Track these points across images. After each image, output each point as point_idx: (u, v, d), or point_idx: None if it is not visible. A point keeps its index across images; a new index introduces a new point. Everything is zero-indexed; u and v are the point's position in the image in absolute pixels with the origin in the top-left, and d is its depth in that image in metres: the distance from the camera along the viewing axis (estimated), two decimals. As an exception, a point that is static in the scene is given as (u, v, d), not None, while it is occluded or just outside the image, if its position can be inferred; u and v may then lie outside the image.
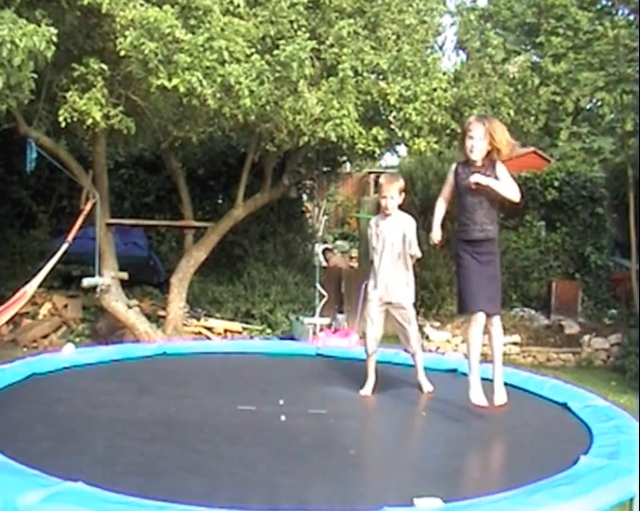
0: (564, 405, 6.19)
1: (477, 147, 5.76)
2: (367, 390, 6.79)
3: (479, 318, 5.79)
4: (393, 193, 6.71)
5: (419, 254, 6.74)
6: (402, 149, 14.92)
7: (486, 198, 5.75)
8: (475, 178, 5.66)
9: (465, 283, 5.88)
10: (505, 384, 6.62)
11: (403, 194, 6.80)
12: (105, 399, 6.24)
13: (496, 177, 5.72)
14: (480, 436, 5.67)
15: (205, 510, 3.67)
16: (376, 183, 24.54)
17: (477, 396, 5.75)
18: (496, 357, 5.91)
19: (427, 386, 6.79)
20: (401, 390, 7.08)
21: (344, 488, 4.42)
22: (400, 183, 6.80)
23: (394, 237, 6.72)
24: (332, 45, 10.64)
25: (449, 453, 5.25)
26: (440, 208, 6.21)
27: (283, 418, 5.77)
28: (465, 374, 7.22)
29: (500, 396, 5.76)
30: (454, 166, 6.02)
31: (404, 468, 4.84)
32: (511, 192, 5.74)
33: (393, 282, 6.73)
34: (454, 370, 7.59)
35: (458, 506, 3.81)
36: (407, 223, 6.75)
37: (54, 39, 8.31)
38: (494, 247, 5.87)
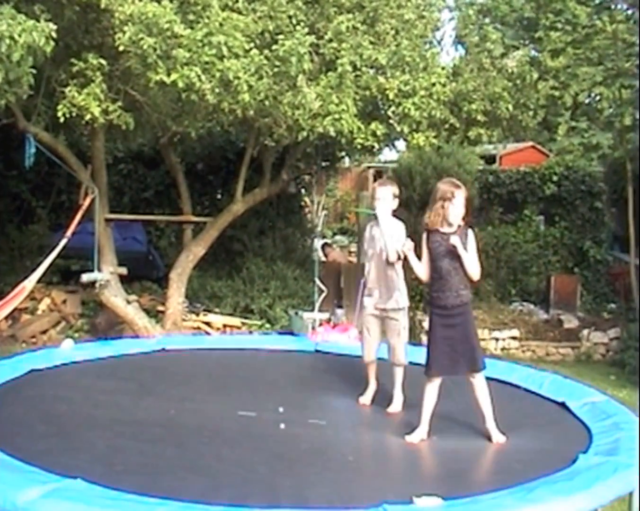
0: (563, 404, 6.20)
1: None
2: (366, 398, 6.78)
3: (434, 380, 5.84)
4: (385, 196, 6.78)
5: (398, 252, 6.48)
6: (400, 144, 14.92)
7: (461, 264, 5.73)
8: (454, 240, 5.66)
9: (430, 348, 5.90)
10: (504, 382, 6.67)
11: (397, 200, 6.85)
12: (105, 398, 6.25)
13: (465, 246, 5.72)
14: (479, 435, 5.68)
15: (204, 507, 3.68)
16: (375, 178, 24.59)
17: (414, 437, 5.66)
18: (483, 406, 5.77)
19: (395, 407, 6.56)
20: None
21: (343, 488, 4.43)
22: (393, 188, 6.85)
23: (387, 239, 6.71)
24: (330, 40, 10.64)
25: (449, 452, 5.26)
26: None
27: (282, 426, 5.78)
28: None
29: (495, 436, 5.66)
30: (424, 234, 5.97)
31: (403, 467, 4.85)
32: (474, 267, 5.76)
33: (386, 288, 6.70)
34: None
35: (457, 504, 3.82)
36: (397, 229, 6.78)
37: (53, 34, 8.30)
38: (467, 309, 5.84)
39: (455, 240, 5.65)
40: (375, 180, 24.34)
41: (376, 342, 6.80)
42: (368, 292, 6.82)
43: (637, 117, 14.40)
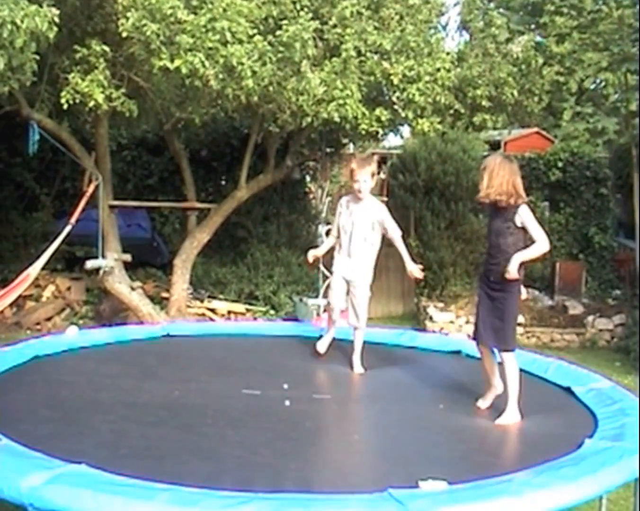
0: (568, 389, 6.19)
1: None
2: (323, 346, 7.34)
3: (481, 349, 6.06)
4: (366, 177, 6.90)
5: (398, 234, 7.08)
6: (405, 130, 14.88)
7: (508, 244, 5.80)
8: (512, 271, 5.67)
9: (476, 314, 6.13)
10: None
11: (375, 177, 7.04)
12: (109, 382, 6.25)
13: (515, 224, 5.78)
14: (485, 419, 5.67)
15: (208, 492, 3.67)
16: (379, 164, 24.55)
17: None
18: (508, 388, 5.84)
19: (358, 368, 7.00)
20: (404, 373, 7.09)
21: (348, 470, 4.42)
22: (373, 167, 6.99)
23: (364, 221, 7.01)
24: (335, 26, 10.60)
25: (454, 437, 5.26)
26: None
27: (287, 403, 5.77)
28: (469, 355, 7.28)
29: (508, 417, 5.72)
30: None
31: (408, 453, 4.84)
32: (539, 246, 5.79)
33: (356, 263, 7.09)
34: (458, 352, 7.60)
35: (463, 488, 3.81)
36: (379, 210, 7.07)
37: (56, 19, 8.28)
38: (508, 287, 5.82)
39: (512, 270, 5.68)
40: (379, 166, 24.33)
41: (343, 296, 7.25)
42: (340, 263, 7.20)
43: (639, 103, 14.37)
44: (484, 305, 5.96)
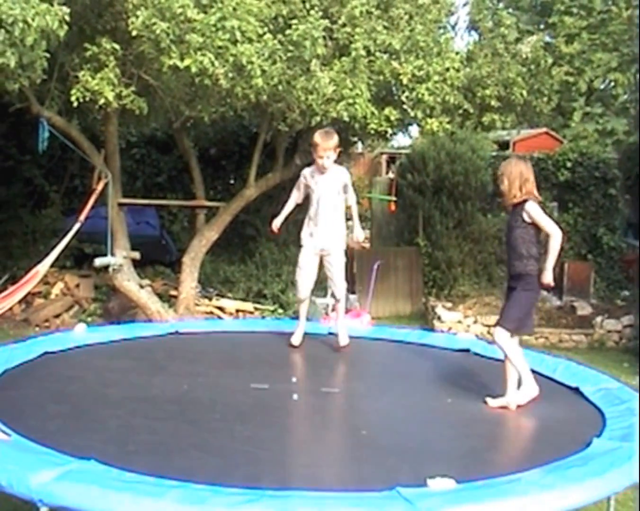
0: (577, 389, 6.19)
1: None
2: (296, 338, 7.20)
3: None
4: (329, 152, 7.05)
5: (354, 199, 7.40)
6: (414, 129, 14.89)
7: (515, 237, 6.08)
8: (548, 280, 6.02)
9: None
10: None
11: (339, 149, 7.17)
12: (118, 378, 6.27)
13: (523, 219, 6.02)
14: (493, 418, 5.68)
15: (217, 490, 3.68)
16: (388, 163, 24.56)
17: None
18: (516, 367, 6.04)
19: (343, 340, 7.08)
20: (413, 369, 7.10)
21: (356, 467, 4.43)
22: (335, 140, 7.08)
23: (331, 191, 7.18)
24: (344, 25, 10.60)
25: (462, 434, 5.26)
26: None
27: (295, 396, 5.79)
28: (477, 354, 7.29)
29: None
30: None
31: (416, 449, 4.84)
32: (555, 239, 6.00)
33: (328, 231, 7.22)
34: (467, 350, 7.61)
35: (470, 487, 3.82)
36: (343, 176, 7.27)
37: (67, 18, 8.30)
38: (521, 282, 6.09)
39: (548, 280, 6.04)
40: (388, 165, 24.34)
41: (311, 280, 7.39)
42: (310, 233, 7.32)
43: (638, 105, 14.38)
44: (507, 297, 6.29)
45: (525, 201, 5.95)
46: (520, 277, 6.08)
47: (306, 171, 7.38)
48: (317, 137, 7.14)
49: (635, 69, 13.54)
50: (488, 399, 5.97)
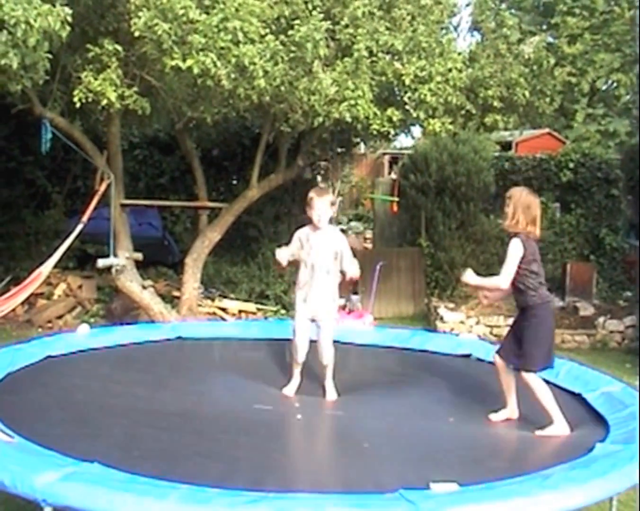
0: (580, 395, 6.19)
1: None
2: (290, 389, 6.96)
3: (497, 363, 6.39)
4: (325, 207, 6.86)
5: (356, 272, 6.98)
6: (416, 130, 14.88)
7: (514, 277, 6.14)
8: (463, 279, 6.57)
9: None
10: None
11: (334, 207, 7.04)
12: (120, 387, 6.26)
13: None
14: (496, 422, 5.68)
15: (220, 491, 3.68)
16: (390, 164, 24.58)
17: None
18: (544, 405, 6.01)
19: (331, 395, 6.88)
20: (415, 378, 7.11)
21: (360, 473, 4.43)
22: (330, 197, 7.00)
23: (325, 252, 6.90)
24: (347, 26, 10.60)
25: (466, 439, 5.26)
26: None
27: (299, 417, 5.79)
28: (479, 359, 7.31)
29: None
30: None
31: (419, 453, 4.84)
32: (495, 279, 6.34)
33: (321, 298, 6.96)
34: (468, 356, 7.62)
35: (474, 490, 3.82)
36: (338, 239, 6.99)
37: (69, 18, 8.30)
38: (527, 314, 6.20)
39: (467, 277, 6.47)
40: (390, 166, 24.36)
41: (307, 344, 7.02)
42: (304, 299, 7.01)
43: (638, 105, 14.37)
44: (513, 325, 6.49)
45: (516, 234, 6.08)
46: (525, 310, 6.20)
47: (301, 232, 7.10)
48: (312, 191, 7.01)
49: (637, 69, 13.52)
50: (491, 415, 6.07)
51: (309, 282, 6.93)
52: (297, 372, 7.10)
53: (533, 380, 6.01)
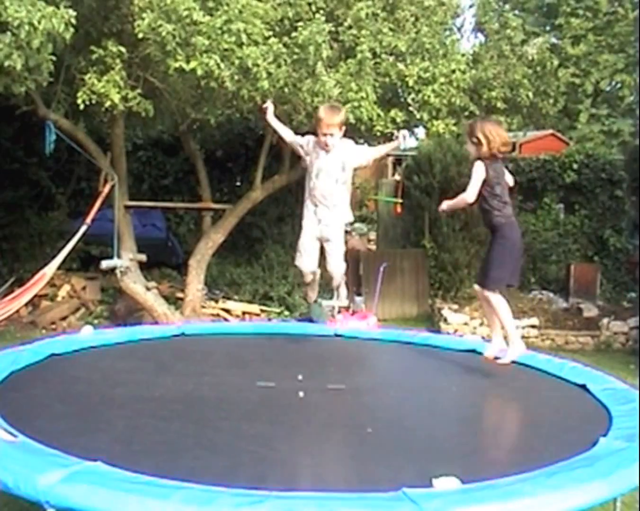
0: (583, 387, 6.19)
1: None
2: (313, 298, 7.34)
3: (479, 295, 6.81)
4: (334, 129, 6.38)
5: (371, 152, 6.82)
6: (420, 131, 14.88)
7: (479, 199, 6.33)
8: (440, 207, 6.73)
9: None
10: (525, 365, 6.70)
11: (344, 127, 6.54)
12: (124, 378, 6.27)
13: None
14: (499, 418, 5.68)
15: (223, 491, 3.68)
16: (394, 165, 24.54)
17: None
18: (503, 324, 6.46)
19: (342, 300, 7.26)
20: (419, 369, 7.10)
21: (362, 468, 4.42)
22: (342, 115, 6.48)
23: (334, 164, 6.53)
24: (350, 27, 10.62)
25: (468, 434, 5.25)
26: None
27: (301, 394, 5.78)
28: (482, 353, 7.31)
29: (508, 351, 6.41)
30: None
31: (422, 448, 4.83)
32: (461, 196, 6.38)
33: (331, 212, 6.71)
34: (473, 351, 7.61)
35: (477, 488, 3.81)
36: (347, 149, 6.58)
37: (73, 20, 8.32)
38: (493, 235, 6.44)
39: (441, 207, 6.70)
40: (394, 167, 24.32)
41: (315, 259, 6.93)
42: (310, 214, 6.84)
43: (638, 105, 14.35)
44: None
45: (479, 157, 6.26)
46: (492, 231, 6.41)
47: (310, 138, 6.68)
48: (322, 111, 6.47)
49: (638, 71, 13.53)
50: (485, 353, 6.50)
51: (316, 193, 6.68)
52: (312, 289, 7.23)
53: (493, 297, 6.31)
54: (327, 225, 6.70)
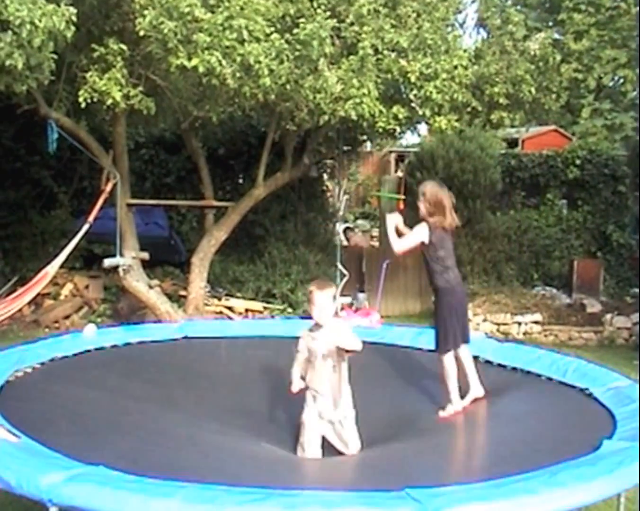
0: (587, 390, 6.18)
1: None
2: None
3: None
4: (326, 301, 5.79)
5: (358, 347, 5.70)
6: (423, 128, 14.88)
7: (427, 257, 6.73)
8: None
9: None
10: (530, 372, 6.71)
11: (337, 301, 6.41)
12: (127, 382, 6.26)
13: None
14: (503, 419, 5.67)
15: (226, 489, 3.67)
16: (397, 162, 24.53)
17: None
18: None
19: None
20: (422, 374, 7.11)
21: (367, 470, 4.42)
22: (333, 289, 5.93)
23: (328, 350, 5.79)
24: (352, 24, 10.59)
25: (473, 436, 5.25)
26: None
27: None
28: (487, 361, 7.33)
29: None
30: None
31: (427, 451, 4.83)
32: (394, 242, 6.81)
33: (331, 395, 5.80)
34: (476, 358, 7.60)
35: (481, 487, 3.81)
36: (340, 331, 5.81)
37: (74, 18, 8.31)
38: (437, 297, 6.75)
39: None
40: (397, 164, 24.32)
41: (319, 445, 5.74)
42: (314, 409, 5.82)
43: (638, 101, 14.31)
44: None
45: (426, 220, 6.67)
46: (434, 292, 6.73)
47: (304, 333, 6.02)
48: (313, 285, 5.93)
49: (638, 67, 13.50)
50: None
51: (316, 386, 5.82)
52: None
53: (441, 361, 6.56)
54: (332, 412, 5.78)
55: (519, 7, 25.71)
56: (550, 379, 6.67)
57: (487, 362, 7.41)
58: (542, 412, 5.76)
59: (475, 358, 7.54)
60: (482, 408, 6.00)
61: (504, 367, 7.15)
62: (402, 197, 15.96)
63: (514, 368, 7.01)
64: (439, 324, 6.62)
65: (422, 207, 6.73)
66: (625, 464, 4.13)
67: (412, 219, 14.97)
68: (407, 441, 5.09)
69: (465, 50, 11.45)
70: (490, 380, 6.57)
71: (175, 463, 4.47)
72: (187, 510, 3.44)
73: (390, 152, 24.95)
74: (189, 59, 8.98)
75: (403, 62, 10.64)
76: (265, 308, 13.41)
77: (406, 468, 4.42)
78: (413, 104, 10.84)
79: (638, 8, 13.33)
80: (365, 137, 15.27)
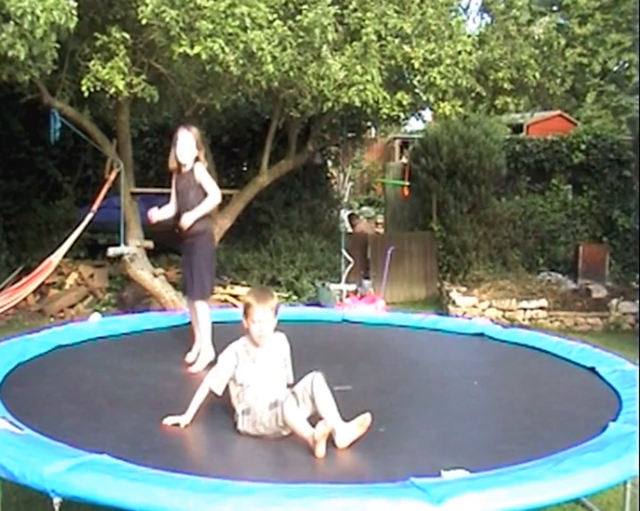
0: (592, 370, 6.16)
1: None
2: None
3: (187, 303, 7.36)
4: (268, 315, 5.14)
5: (290, 380, 5.22)
6: (427, 113, 14.83)
7: (191, 198, 7.02)
8: (186, 223, 6.91)
9: None
10: (535, 348, 6.67)
11: (278, 312, 5.30)
12: (132, 374, 6.24)
13: (195, 181, 6.98)
14: (508, 404, 5.65)
15: (228, 484, 3.66)
16: (401, 148, 24.49)
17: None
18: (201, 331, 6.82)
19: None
20: (427, 355, 7.09)
21: (373, 460, 4.40)
22: (275, 301, 5.25)
23: (275, 365, 5.22)
24: (355, 10, 10.56)
25: (478, 420, 5.23)
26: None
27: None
28: (492, 338, 7.30)
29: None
30: None
31: (431, 440, 4.81)
32: (211, 198, 6.92)
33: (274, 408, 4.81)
34: (481, 334, 7.60)
35: (485, 476, 3.79)
36: (283, 345, 5.35)
37: (74, 12, 8.28)
38: (195, 241, 6.95)
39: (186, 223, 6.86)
40: (401, 150, 24.28)
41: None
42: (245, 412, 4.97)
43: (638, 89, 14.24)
44: (183, 262, 7.10)
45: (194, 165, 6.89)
46: (195, 237, 6.87)
47: (238, 345, 5.19)
48: (250, 295, 5.28)
49: (637, 54, 13.43)
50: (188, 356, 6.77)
51: (255, 401, 4.94)
52: None
53: (204, 307, 6.84)
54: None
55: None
56: (556, 356, 6.67)
57: (491, 337, 7.43)
58: (547, 395, 5.75)
59: (481, 335, 7.56)
60: (486, 392, 5.98)
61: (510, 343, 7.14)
62: (407, 183, 15.95)
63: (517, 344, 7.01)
64: (201, 271, 6.82)
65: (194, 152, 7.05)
66: (631, 450, 4.12)
67: (416, 206, 14.97)
68: (412, 425, 5.07)
69: (469, 36, 11.41)
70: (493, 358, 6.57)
71: (179, 449, 4.47)
72: (192, 499, 3.42)
73: (395, 138, 24.92)
74: (192, 47, 8.95)
75: (407, 47, 10.60)
76: (270, 295, 13.38)
77: (410, 457, 4.41)
78: (417, 90, 10.81)
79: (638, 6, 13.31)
80: (369, 124, 15.25)
